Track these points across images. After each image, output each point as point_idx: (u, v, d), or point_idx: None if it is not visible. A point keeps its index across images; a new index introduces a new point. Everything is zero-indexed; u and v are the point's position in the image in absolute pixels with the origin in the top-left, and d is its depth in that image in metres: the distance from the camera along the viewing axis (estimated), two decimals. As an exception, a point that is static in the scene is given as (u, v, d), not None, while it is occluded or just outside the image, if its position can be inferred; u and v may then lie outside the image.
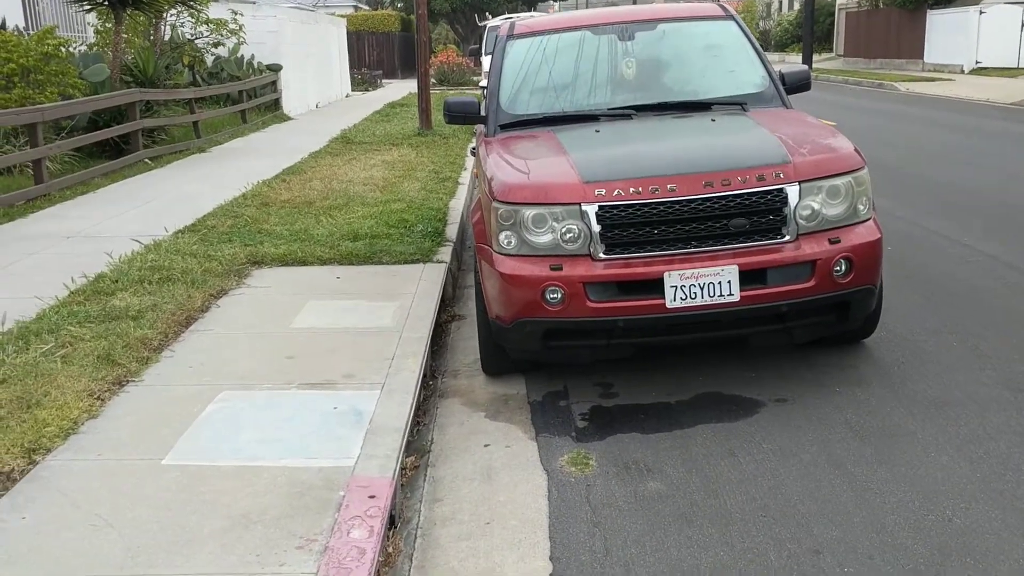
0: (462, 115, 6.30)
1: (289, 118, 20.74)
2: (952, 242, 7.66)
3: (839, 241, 4.60)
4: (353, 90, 31.04)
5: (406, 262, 7.25)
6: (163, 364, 5.12)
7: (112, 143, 13.03)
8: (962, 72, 29.87)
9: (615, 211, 4.54)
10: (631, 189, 4.55)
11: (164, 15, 15.86)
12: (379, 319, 5.89)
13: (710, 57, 6.29)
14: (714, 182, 4.55)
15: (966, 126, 16.53)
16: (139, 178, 11.90)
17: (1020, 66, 28.62)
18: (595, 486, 3.98)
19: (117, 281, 6.41)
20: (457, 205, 9.69)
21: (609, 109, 5.81)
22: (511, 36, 6.46)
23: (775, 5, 57.56)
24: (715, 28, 6.42)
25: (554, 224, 4.61)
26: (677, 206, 4.54)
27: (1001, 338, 5.38)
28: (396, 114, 20.56)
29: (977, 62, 29.98)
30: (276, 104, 21.05)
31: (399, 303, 6.21)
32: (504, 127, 5.91)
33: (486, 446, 4.49)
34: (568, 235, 4.58)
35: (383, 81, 36.96)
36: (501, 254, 4.74)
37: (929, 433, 4.25)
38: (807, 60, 29.19)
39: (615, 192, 4.56)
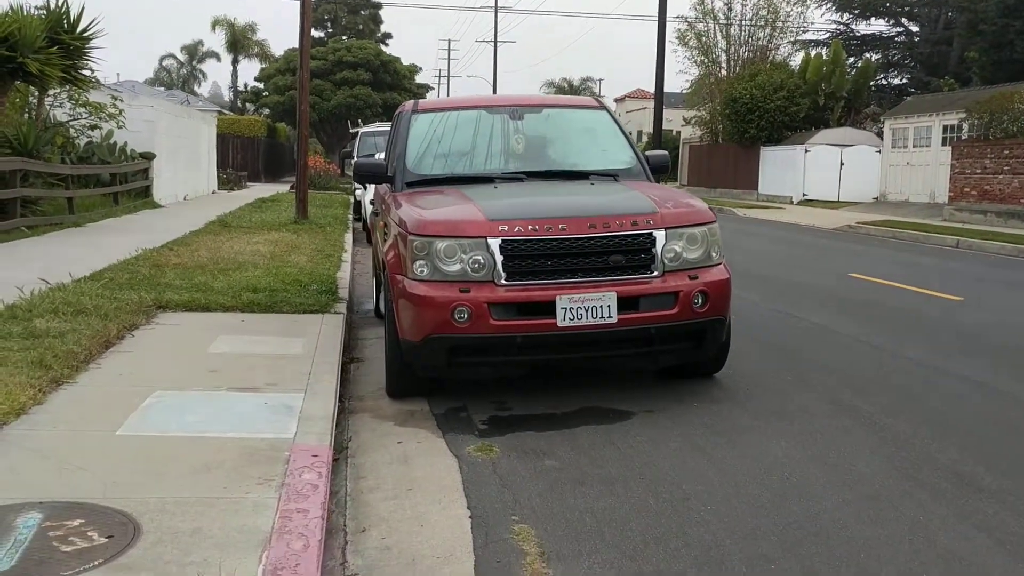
0: (370, 175, 7.12)
1: (160, 206, 20.85)
2: (785, 315, 8.89)
3: (697, 278, 5.58)
4: (219, 188, 31.24)
5: (306, 312, 7.81)
6: (92, 373, 5.51)
7: (-12, 209, 13.00)
8: (791, 203, 32.93)
9: (516, 244, 5.37)
10: (529, 227, 5.41)
11: (47, 92, 16.04)
12: (290, 349, 6.43)
13: (587, 138, 7.35)
14: (597, 224, 5.47)
15: (795, 241, 18.53)
16: (19, 243, 11.95)
17: (840, 200, 31.86)
18: (500, 463, 4.66)
19: (31, 310, 6.70)
20: (344, 277, 10.30)
21: (503, 173, 6.71)
22: (416, 111, 7.32)
23: (625, 137, 61.61)
24: (591, 115, 7.52)
25: (462, 255, 5.38)
26: (567, 242, 5.42)
27: (824, 374, 6.45)
28: (269, 207, 21.04)
29: (804, 194, 33.15)
30: (147, 191, 21.15)
31: (305, 339, 6.77)
32: (410, 184, 6.70)
33: (399, 443, 5.10)
34: (475, 264, 5.36)
35: (247, 183, 37.25)
36: (415, 280, 5.46)
37: (770, 430, 5.18)
38: (655, 184, 31.50)
39: (515, 229, 5.40)
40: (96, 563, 3.03)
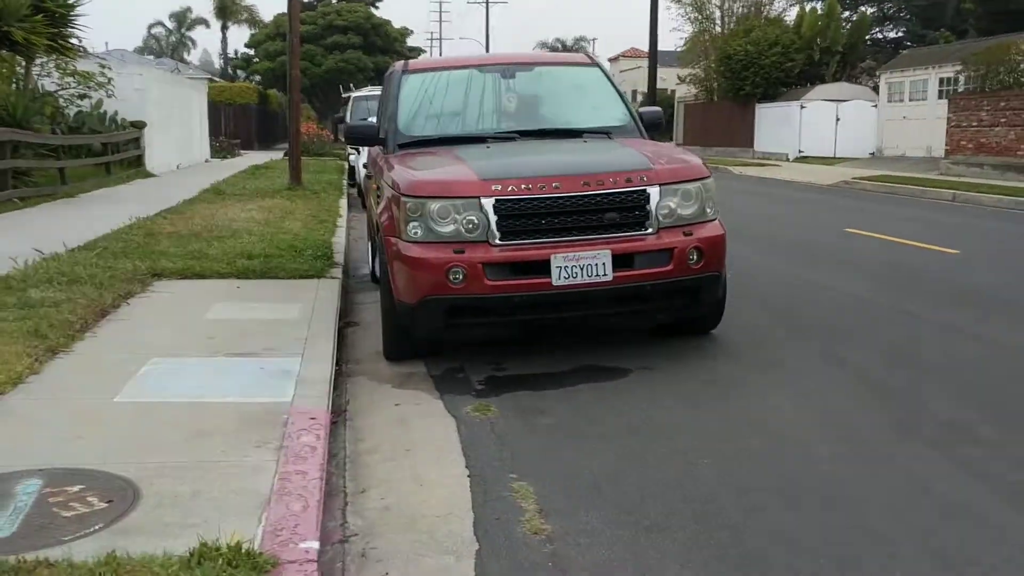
0: (362, 137, 7.08)
1: (153, 175, 20.73)
2: (781, 271, 8.89)
3: (692, 234, 5.56)
4: (212, 156, 31.06)
5: (301, 277, 7.79)
6: (88, 342, 5.50)
7: (-22, 182, 12.93)
8: (787, 160, 32.82)
9: (509, 204, 5.34)
10: (523, 186, 5.38)
11: (33, 60, 15.88)
12: (286, 314, 6.43)
13: (580, 96, 7.28)
14: (591, 182, 5.44)
15: (791, 198, 18.48)
16: (10, 214, 11.90)
17: (836, 156, 31.75)
18: (497, 423, 4.68)
19: (26, 281, 6.68)
20: (339, 242, 10.28)
21: (496, 133, 6.65)
22: (406, 71, 7.26)
23: (619, 97, 61.16)
24: (583, 73, 7.44)
25: (456, 216, 5.36)
26: (561, 201, 5.39)
27: (820, 329, 6.47)
28: (263, 174, 20.93)
29: (800, 151, 33.02)
30: (139, 160, 21.01)
31: (302, 304, 6.76)
32: (402, 146, 6.65)
33: (397, 405, 5.11)
34: (469, 225, 5.34)
35: (240, 151, 37.00)
36: (409, 242, 5.44)
37: (766, 385, 5.20)
38: (650, 143, 31.38)
39: (509, 188, 5.37)
40: (97, 527, 3.05)
